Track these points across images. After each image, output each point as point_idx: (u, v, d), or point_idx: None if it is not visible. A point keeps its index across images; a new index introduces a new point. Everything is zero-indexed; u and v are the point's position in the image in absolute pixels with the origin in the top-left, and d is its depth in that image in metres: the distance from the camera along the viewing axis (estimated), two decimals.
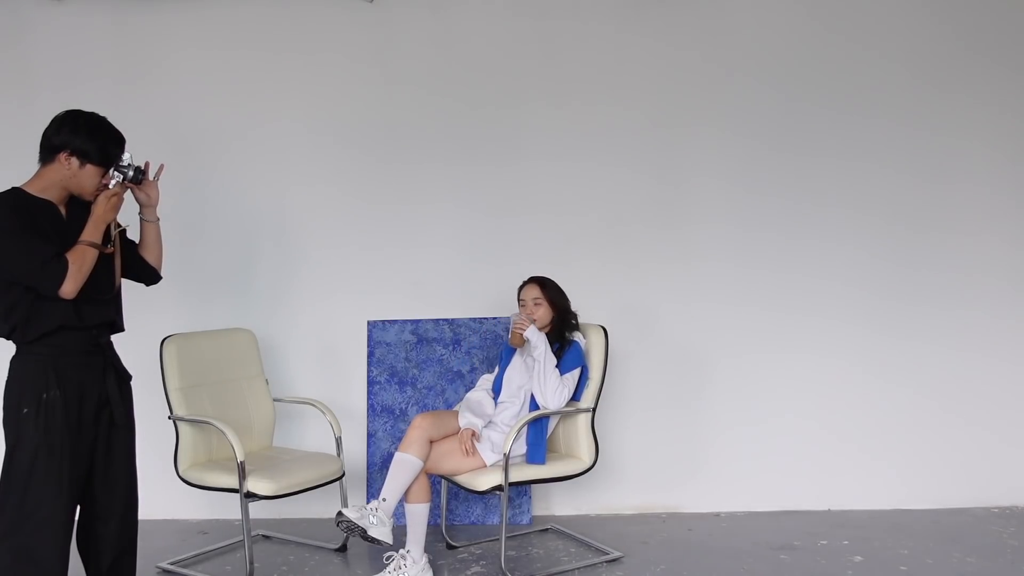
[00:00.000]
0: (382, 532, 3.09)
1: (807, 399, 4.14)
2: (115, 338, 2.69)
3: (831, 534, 3.78)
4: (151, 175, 2.70)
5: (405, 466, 3.19)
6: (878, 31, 4.14)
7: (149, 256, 2.76)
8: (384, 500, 3.14)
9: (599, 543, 3.64)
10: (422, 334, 4.06)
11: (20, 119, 3.91)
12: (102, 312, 2.56)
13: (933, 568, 3.37)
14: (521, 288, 3.53)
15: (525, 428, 3.31)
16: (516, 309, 3.56)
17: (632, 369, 4.10)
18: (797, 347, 4.14)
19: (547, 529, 3.90)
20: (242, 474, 3.14)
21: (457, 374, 4.04)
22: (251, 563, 3.19)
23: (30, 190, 2.47)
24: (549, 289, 3.47)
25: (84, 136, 2.46)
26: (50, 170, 2.48)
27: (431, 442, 3.26)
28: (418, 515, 3.22)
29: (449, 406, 3.96)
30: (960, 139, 4.16)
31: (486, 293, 4.09)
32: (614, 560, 3.48)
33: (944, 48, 4.16)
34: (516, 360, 3.53)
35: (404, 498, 3.22)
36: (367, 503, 3.20)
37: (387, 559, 3.22)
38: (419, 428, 3.24)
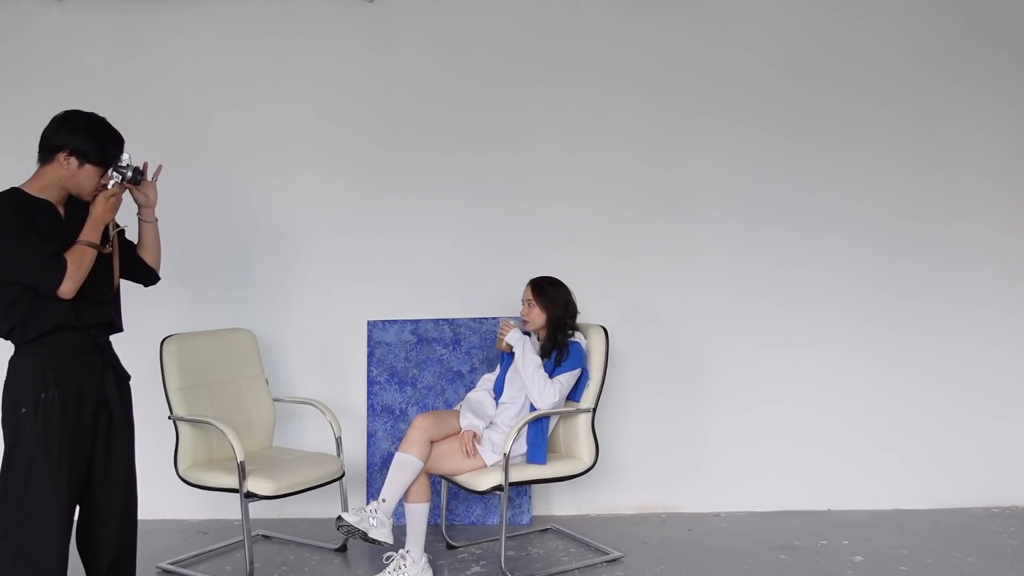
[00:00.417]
0: (383, 533, 3.09)
1: (807, 399, 4.14)
2: (115, 338, 2.70)
3: (831, 534, 3.78)
4: (149, 176, 2.70)
5: (405, 466, 3.19)
6: (880, 21, 4.13)
7: (147, 256, 2.76)
8: (384, 501, 3.14)
9: (599, 543, 3.64)
10: (422, 334, 4.06)
11: (20, 119, 3.91)
12: (100, 312, 2.56)
13: (933, 568, 3.37)
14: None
15: (526, 428, 3.31)
16: (516, 309, 3.56)
17: (632, 369, 4.10)
18: (797, 348, 4.14)
19: (547, 529, 3.90)
20: (242, 474, 3.14)
21: (457, 374, 4.04)
22: (251, 563, 3.19)
23: (29, 190, 2.48)
24: (544, 294, 3.45)
25: (83, 136, 2.47)
26: (49, 170, 2.48)
27: (431, 442, 3.26)
28: (418, 515, 3.22)
29: (449, 406, 3.96)
30: (963, 130, 4.16)
31: (486, 293, 4.09)
32: (614, 560, 3.49)
33: (947, 37, 4.15)
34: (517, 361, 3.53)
35: (404, 498, 3.22)
36: (366, 504, 3.20)
37: (387, 559, 3.22)
38: (419, 428, 3.24)
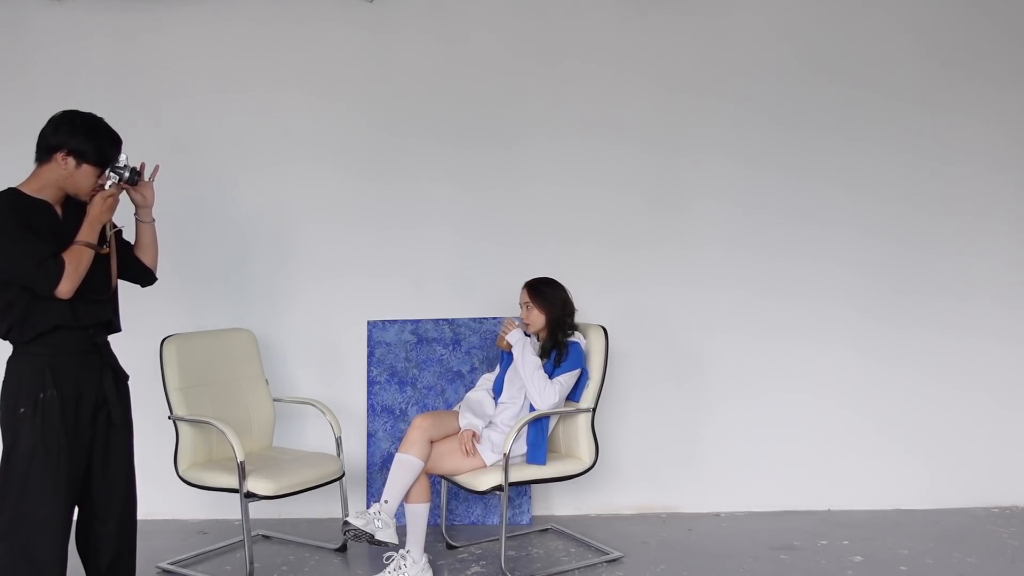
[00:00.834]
0: (388, 534, 3.10)
1: (807, 399, 4.14)
2: (116, 338, 2.70)
3: (831, 534, 3.78)
4: (146, 176, 2.70)
5: (406, 467, 3.19)
6: (880, 14, 4.13)
7: (145, 257, 2.76)
8: (386, 502, 3.15)
9: (599, 543, 3.64)
10: (422, 334, 4.06)
11: (20, 119, 3.90)
12: (98, 312, 2.57)
13: (933, 568, 3.37)
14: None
15: (525, 428, 3.31)
16: (516, 310, 3.56)
17: (632, 369, 4.10)
18: (798, 348, 4.14)
19: (547, 529, 3.90)
20: (242, 474, 3.14)
21: (457, 374, 4.04)
22: (251, 563, 3.19)
23: (26, 190, 2.48)
24: (540, 295, 3.45)
25: (81, 136, 2.47)
26: (46, 170, 2.49)
27: (431, 442, 3.26)
28: (418, 515, 3.22)
29: (449, 406, 3.96)
30: (964, 121, 4.15)
31: (486, 293, 4.09)
32: (614, 560, 3.49)
33: (941, 67, 4.15)
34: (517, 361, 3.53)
35: (404, 498, 3.22)
36: (368, 507, 3.19)
37: (387, 559, 3.22)
38: (419, 428, 3.24)
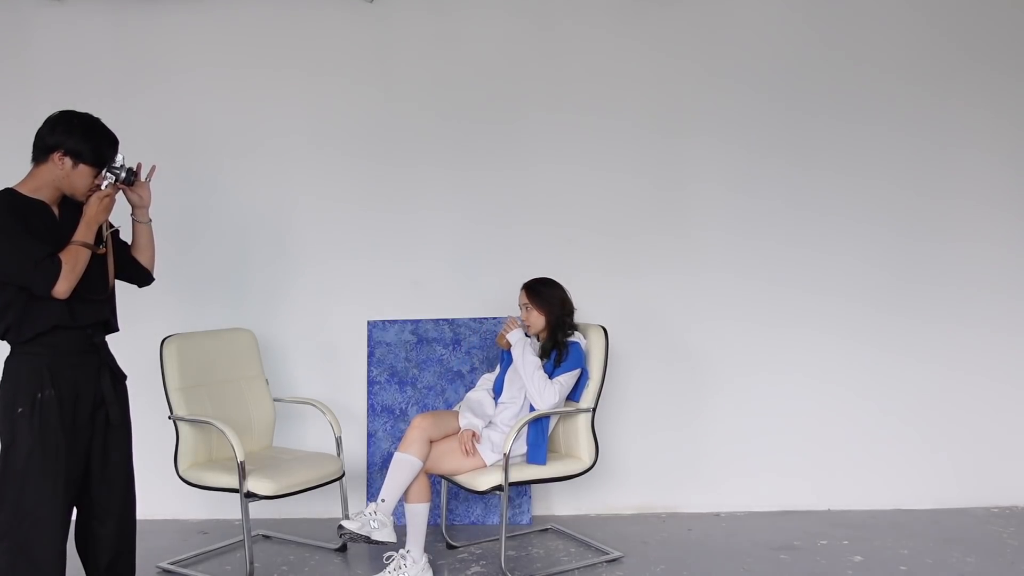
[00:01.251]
0: (385, 534, 3.10)
1: (807, 399, 4.14)
2: (116, 338, 2.70)
3: (831, 534, 3.78)
4: (143, 176, 2.69)
5: (404, 466, 3.19)
6: (877, 36, 4.14)
7: (141, 257, 2.76)
8: (383, 501, 3.15)
9: (599, 543, 3.64)
10: (422, 334, 4.06)
11: (20, 119, 3.89)
12: (96, 312, 2.57)
13: (933, 568, 3.37)
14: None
15: (526, 428, 3.31)
16: (516, 310, 3.56)
17: (632, 369, 4.10)
18: (797, 347, 4.14)
19: (547, 529, 3.90)
20: (242, 474, 3.14)
21: (457, 374, 4.04)
22: (251, 563, 3.19)
23: (23, 190, 2.49)
24: (539, 295, 3.45)
25: (78, 137, 2.47)
26: (43, 170, 2.49)
27: (431, 442, 3.26)
28: (418, 515, 3.22)
29: (449, 406, 3.96)
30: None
31: (486, 293, 4.09)
32: (614, 560, 3.49)
33: (944, 54, 4.15)
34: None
35: (404, 498, 3.22)
36: (365, 507, 3.20)
37: (387, 559, 3.22)
38: (419, 428, 3.24)
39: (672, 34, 4.12)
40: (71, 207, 2.56)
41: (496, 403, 3.49)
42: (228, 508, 3.90)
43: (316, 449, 3.86)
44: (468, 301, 4.10)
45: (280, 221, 4.10)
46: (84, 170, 2.50)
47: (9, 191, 2.48)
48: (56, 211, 2.53)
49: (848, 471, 4.13)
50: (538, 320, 3.45)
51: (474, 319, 4.08)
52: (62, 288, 2.41)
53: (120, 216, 2.68)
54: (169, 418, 3.40)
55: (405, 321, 4.07)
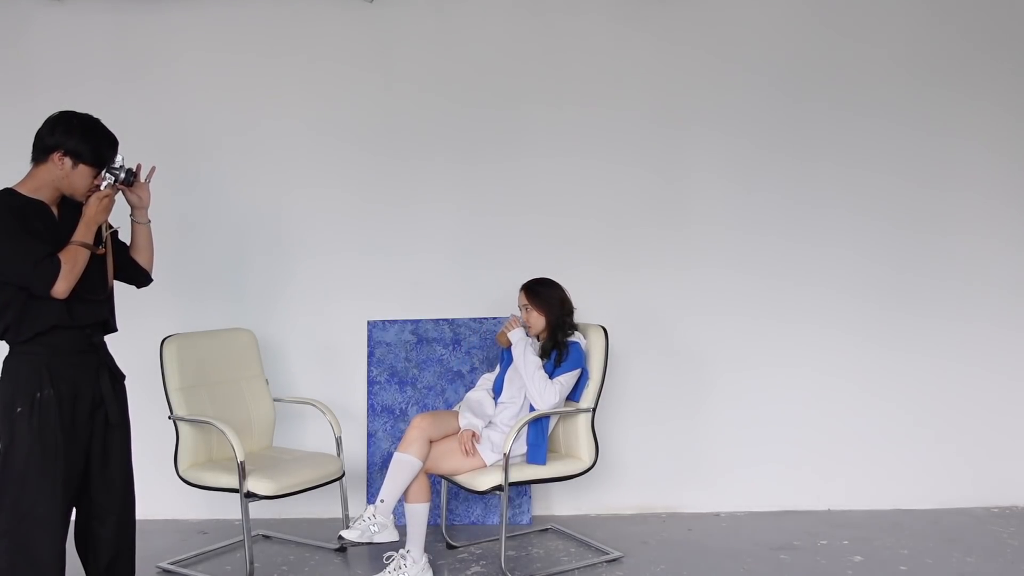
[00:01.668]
0: (387, 535, 3.11)
1: (807, 399, 4.13)
2: (116, 338, 2.71)
3: (831, 534, 3.78)
4: (142, 177, 2.70)
5: (404, 466, 3.19)
6: (879, 31, 4.13)
7: (140, 258, 2.76)
8: (383, 501, 3.15)
9: (599, 543, 3.64)
10: (422, 334, 4.06)
11: (20, 119, 3.89)
12: (95, 312, 2.57)
13: (933, 568, 3.37)
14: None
15: (525, 428, 3.31)
16: (516, 310, 3.56)
17: (632, 369, 4.10)
18: (797, 346, 4.13)
19: (547, 529, 3.90)
20: (242, 474, 3.14)
21: (457, 374, 4.04)
22: (251, 563, 3.19)
23: (22, 191, 2.49)
24: (538, 296, 3.45)
25: (78, 137, 2.48)
26: (43, 170, 2.50)
27: (431, 442, 3.26)
28: (418, 515, 3.22)
29: (449, 406, 3.96)
30: (961, 140, 4.15)
31: (486, 293, 4.09)
32: (614, 560, 3.48)
33: (945, 48, 4.15)
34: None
35: (404, 498, 3.22)
36: (364, 510, 3.19)
37: (387, 559, 3.22)
38: (418, 428, 3.24)
39: (672, 28, 4.11)
40: (70, 207, 2.56)
41: (496, 403, 3.49)
42: (228, 508, 3.90)
43: (316, 449, 3.86)
44: (468, 301, 4.10)
45: (280, 221, 4.10)
46: (84, 170, 2.50)
47: (8, 191, 2.49)
48: (55, 211, 2.54)
49: (848, 471, 4.13)
50: (538, 321, 3.45)
51: (474, 319, 4.08)
52: (61, 288, 2.41)
53: (119, 217, 2.68)
54: (169, 418, 3.40)
55: (405, 321, 4.07)
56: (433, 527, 3.48)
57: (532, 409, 3.35)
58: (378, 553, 3.39)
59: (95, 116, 2.56)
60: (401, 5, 4.08)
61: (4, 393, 2.46)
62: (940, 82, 4.14)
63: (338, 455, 3.59)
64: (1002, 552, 3.54)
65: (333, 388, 4.06)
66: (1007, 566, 3.39)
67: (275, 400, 3.77)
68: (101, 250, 2.55)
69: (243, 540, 3.21)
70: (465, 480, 3.29)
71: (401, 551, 3.20)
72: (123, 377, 2.71)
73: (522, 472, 3.29)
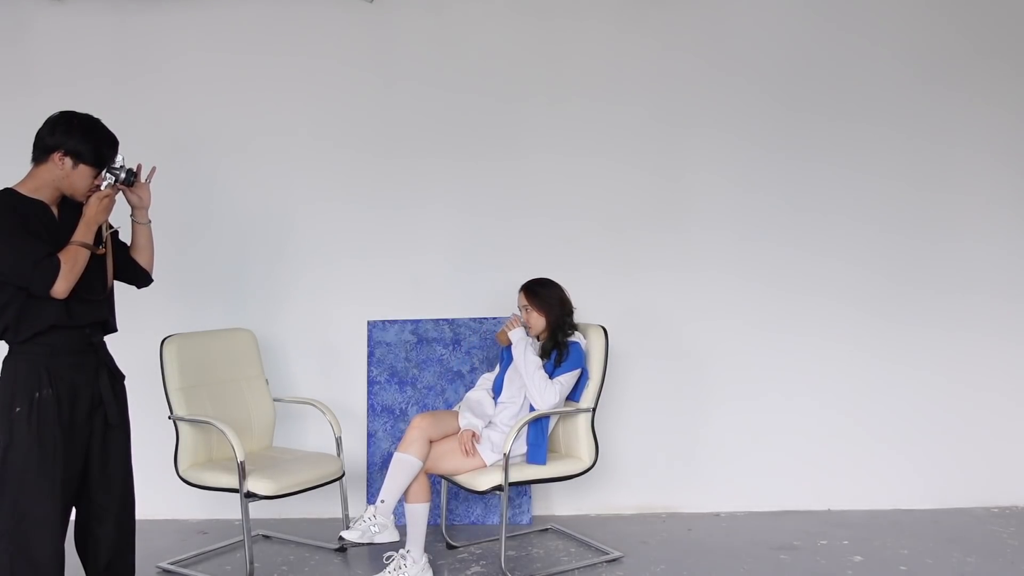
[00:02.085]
0: (388, 535, 3.11)
1: (807, 399, 4.14)
2: (116, 338, 2.71)
3: (831, 534, 3.78)
4: (143, 177, 2.69)
5: (404, 466, 3.19)
6: (878, 34, 4.13)
7: (140, 258, 2.76)
8: (383, 501, 3.15)
9: (599, 543, 3.64)
10: (422, 334, 4.06)
11: (20, 119, 3.89)
12: (94, 312, 2.57)
13: (933, 568, 3.37)
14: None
15: (525, 428, 3.31)
16: (516, 310, 3.56)
17: (632, 369, 4.10)
18: (797, 348, 4.13)
19: (547, 529, 3.90)
20: (242, 474, 3.14)
21: (457, 374, 4.04)
22: (251, 563, 3.19)
23: (22, 190, 2.49)
24: (537, 296, 3.44)
25: (79, 137, 2.48)
26: (43, 170, 2.50)
27: (430, 442, 3.26)
28: (418, 515, 3.22)
29: (449, 406, 3.96)
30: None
31: (486, 293, 4.09)
32: (614, 560, 3.48)
33: (947, 52, 4.14)
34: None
35: (404, 498, 3.22)
36: (364, 510, 3.20)
37: (387, 559, 3.22)
38: (418, 428, 3.24)
39: (673, 29, 4.11)
40: (70, 207, 2.56)
41: (496, 403, 3.49)
42: (228, 508, 3.90)
43: (316, 449, 3.86)
44: (468, 301, 4.10)
45: (280, 221, 4.10)
46: (84, 170, 2.50)
47: (9, 191, 2.48)
48: (55, 211, 2.53)
49: (848, 471, 4.13)
50: (538, 321, 3.45)
51: (474, 319, 4.08)
52: (61, 288, 2.41)
53: (119, 217, 2.68)
54: (169, 418, 3.40)
55: (405, 321, 4.07)
56: (433, 527, 3.48)
57: (532, 409, 3.35)
58: (378, 553, 3.39)
59: (95, 116, 2.56)
60: (401, 5, 4.08)
61: (3, 393, 2.46)
62: (942, 85, 4.14)
63: (338, 455, 3.59)
64: (1002, 552, 3.54)
65: (333, 388, 4.06)
66: (1007, 566, 3.39)
67: (275, 400, 3.77)
68: (101, 250, 2.55)
69: (243, 540, 3.21)
70: (465, 480, 3.29)
71: (401, 551, 3.20)
72: (123, 377, 2.70)
73: (522, 472, 3.30)
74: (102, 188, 2.53)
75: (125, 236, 2.77)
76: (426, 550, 3.24)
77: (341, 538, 3.11)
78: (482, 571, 3.40)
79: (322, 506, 3.92)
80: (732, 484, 4.12)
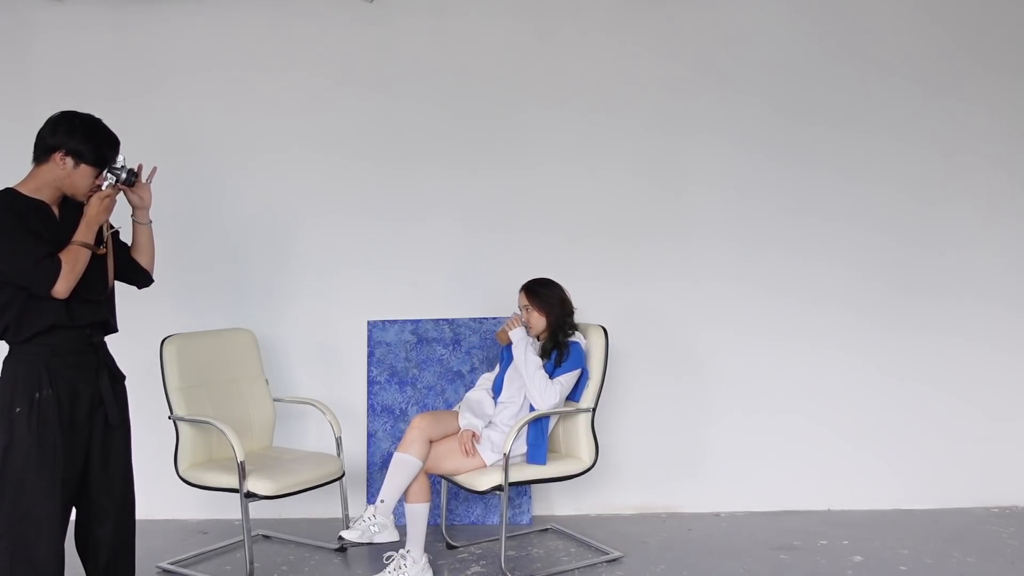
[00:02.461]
0: (387, 535, 3.12)
1: (807, 399, 4.14)
2: (116, 338, 2.71)
3: (831, 534, 3.78)
4: (144, 177, 2.69)
5: (404, 466, 3.19)
6: (878, 38, 4.13)
7: (141, 258, 2.76)
8: (382, 501, 3.15)
9: (599, 543, 3.64)
10: (422, 334, 4.06)
11: (20, 119, 3.90)
12: (94, 312, 2.57)
13: (933, 568, 3.37)
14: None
15: (525, 428, 3.31)
16: (517, 310, 3.56)
17: (632, 369, 4.10)
18: (797, 348, 4.13)
19: (547, 529, 3.90)
20: (242, 474, 3.14)
21: (457, 374, 4.04)
22: (251, 563, 3.19)
23: (23, 190, 2.49)
24: (538, 296, 3.44)
25: (79, 137, 2.48)
26: (44, 170, 2.50)
27: (431, 442, 3.26)
28: (418, 515, 3.22)
29: (449, 406, 3.96)
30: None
31: (486, 293, 4.09)
32: (614, 560, 3.48)
33: (945, 58, 4.14)
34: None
35: (404, 498, 3.22)
36: (364, 510, 3.20)
37: (387, 559, 3.22)
38: (418, 428, 3.24)
39: (673, 36, 4.11)
40: (71, 207, 2.56)
41: (495, 403, 3.49)
42: (228, 508, 3.90)
43: (316, 449, 3.86)
44: (468, 301, 4.11)
45: (280, 221, 4.10)
46: (85, 170, 2.51)
47: (9, 191, 2.49)
48: (56, 211, 2.54)
49: (848, 471, 4.13)
50: (539, 321, 3.45)
51: (474, 319, 4.08)
52: (61, 288, 2.41)
53: (120, 217, 2.68)
54: (169, 418, 3.40)
55: (405, 321, 4.07)
56: (433, 527, 3.48)
57: (532, 409, 3.35)
58: (378, 553, 3.39)
59: (96, 116, 2.56)
60: (401, 6, 4.08)
61: (3, 393, 2.46)
62: (942, 93, 4.13)
63: (338, 455, 3.59)
64: (1002, 552, 3.54)
65: (333, 388, 4.06)
66: (1007, 566, 3.39)
67: (275, 400, 3.77)
68: (102, 250, 2.55)
69: (243, 540, 3.21)
70: (465, 480, 3.29)
71: (401, 551, 3.20)
72: (123, 378, 2.70)
73: (522, 472, 3.29)
74: (103, 188, 2.53)
75: (126, 236, 2.76)
76: (426, 550, 3.24)
77: (341, 538, 3.11)
78: (482, 571, 3.40)
79: (322, 506, 3.92)
80: (732, 484, 4.12)
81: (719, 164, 4.12)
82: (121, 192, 2.61)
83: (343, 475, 3.52)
